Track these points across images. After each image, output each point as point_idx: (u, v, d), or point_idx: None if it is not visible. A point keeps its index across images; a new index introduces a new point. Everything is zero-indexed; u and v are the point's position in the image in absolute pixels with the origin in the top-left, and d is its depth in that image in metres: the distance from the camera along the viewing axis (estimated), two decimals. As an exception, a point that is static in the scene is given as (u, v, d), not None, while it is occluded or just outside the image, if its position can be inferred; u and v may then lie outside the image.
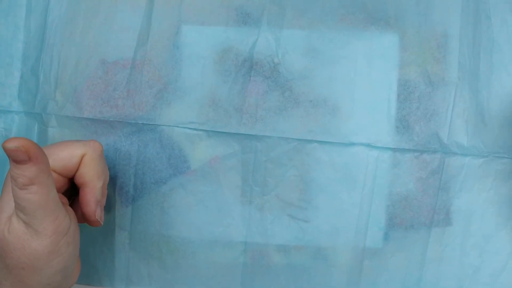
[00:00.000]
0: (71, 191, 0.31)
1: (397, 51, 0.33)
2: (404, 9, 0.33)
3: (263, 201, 0.33)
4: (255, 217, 0.33)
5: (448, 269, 0.34)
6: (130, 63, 0.33)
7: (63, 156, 0.28)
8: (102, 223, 0.29)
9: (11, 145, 0.22)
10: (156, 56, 0.33)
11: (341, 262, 0.33)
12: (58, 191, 0.28)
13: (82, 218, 0.29)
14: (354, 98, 0.33)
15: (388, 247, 0.33)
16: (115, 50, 0.33)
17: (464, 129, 0.33)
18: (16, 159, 0.23)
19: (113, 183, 0.33)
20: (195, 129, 0.33)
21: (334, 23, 0.33)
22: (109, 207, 0.33)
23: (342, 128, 0.33)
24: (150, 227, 0.34)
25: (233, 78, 0.33)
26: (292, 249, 0.34)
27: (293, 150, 0.33)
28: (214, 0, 0.33)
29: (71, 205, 0.31)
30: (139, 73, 0.33)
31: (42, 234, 0.25)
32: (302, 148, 0.33)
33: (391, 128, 0.33)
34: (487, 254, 0.34)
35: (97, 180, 0.29)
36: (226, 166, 0.33)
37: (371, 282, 0.34)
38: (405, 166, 0.33)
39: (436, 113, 0.33)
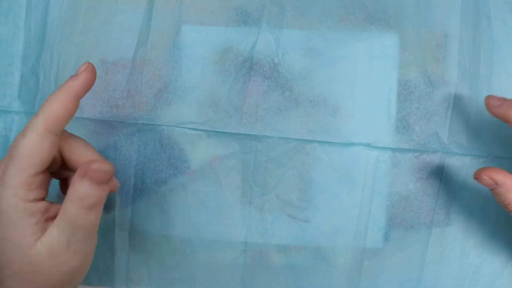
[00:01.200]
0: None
1: (397, 51, 0.33)
2: (404, 9, 0.33)
3: (263, 201, 0.33)
4: (255, 217, 0.33)
5: (448, 269, 0.34)
6: (130, 63, 0.33)
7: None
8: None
9: (106, 168, 0.23)
10: (156, 56, 0.33)
11: (341, 262, 0.33)
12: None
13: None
14: (354, 98, 0.33)
15: (388, 247, 0.33)
16: (115, 50, 0.33)
17: (464, 129, 0.33)
18: (101, 179, 0.23)
19: (113, 183, 0.33)
20: (195, 129, 0.33)
21: (334, 23, 0.33)
22: (109, 207, 0.33)
23: (342, 128, 0.33)
24: (150, 227, 0.34)
25: (233, 78, 0.33)
26: (292, 249, 0.34)
27: (293, 150, 0.33)
28: (214, 0, 0.33)
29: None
30: (139, 73, 0.33)
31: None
32: (302, 148, 0.33)
33: (391, 128, 0.33)
34: (487, 254, 0.33)
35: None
36: (226, 166, 0.33)
37: (371, 282, 0.34)
38: (405, 166, 0.33)
39: (436, 113, 0.33)
